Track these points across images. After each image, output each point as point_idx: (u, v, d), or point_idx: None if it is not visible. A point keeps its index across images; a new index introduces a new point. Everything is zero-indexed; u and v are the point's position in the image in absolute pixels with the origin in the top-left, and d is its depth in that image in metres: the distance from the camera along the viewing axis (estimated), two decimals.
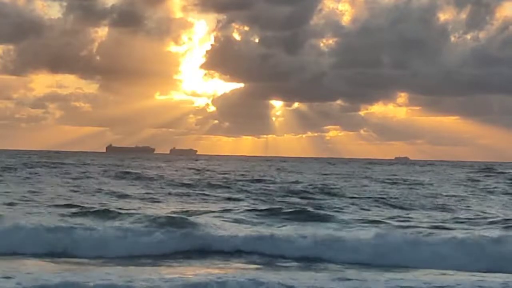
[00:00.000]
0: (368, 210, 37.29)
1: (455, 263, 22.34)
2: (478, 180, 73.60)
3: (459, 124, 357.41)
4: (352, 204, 40.25)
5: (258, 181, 61.58)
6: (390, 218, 32.97)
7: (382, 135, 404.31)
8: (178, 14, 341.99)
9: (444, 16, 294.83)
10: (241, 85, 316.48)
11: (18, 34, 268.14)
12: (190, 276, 19.15)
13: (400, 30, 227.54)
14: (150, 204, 37.68)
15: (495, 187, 60.51)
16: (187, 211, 33.61)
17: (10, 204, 34.51)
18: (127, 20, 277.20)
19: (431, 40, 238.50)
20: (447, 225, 30.81)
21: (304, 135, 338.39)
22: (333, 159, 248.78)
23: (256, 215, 32.70)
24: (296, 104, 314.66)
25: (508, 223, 31.03)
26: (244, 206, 37.39)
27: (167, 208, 35.57)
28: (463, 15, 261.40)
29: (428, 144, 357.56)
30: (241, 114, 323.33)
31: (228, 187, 51.85)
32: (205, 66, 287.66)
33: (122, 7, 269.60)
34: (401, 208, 38.92)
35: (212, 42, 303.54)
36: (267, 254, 23.53)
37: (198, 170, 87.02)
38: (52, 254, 22.79)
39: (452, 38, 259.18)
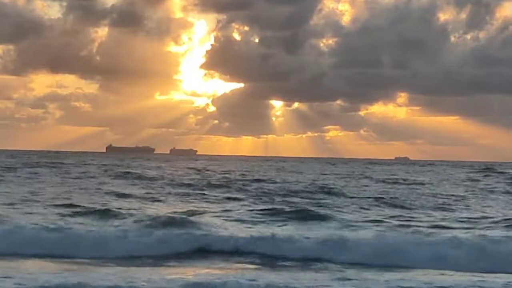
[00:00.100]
0: (368, 210, 37.28)
1: (455, 263, 22.32)
2: (478, 180, 73.60)
3: (459, 124, 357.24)
4: (352, 204, 40.24)
5: (258, 181, 61.57)
6: (390, 217, 32.97)
7: (382, 135, 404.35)
8: (178, 14, 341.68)
9: (444, 16, 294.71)
10: (241, 85, 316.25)
11: (18, 34, 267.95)
12: (190, 276, 19.15)
13: (400, 30, 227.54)
14: (150, 204, 37.69)
15: (495, 187, 60.51)
16: (187, 211, 33.61)
17: (10, 204, 34.51)
18: (127, 20, 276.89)
19: (431, 40, 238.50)
20: (447, 225, 30.82)
21: (304, 135, 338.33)
22: (333, 159, 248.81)
23: (256, 215, 32.70)
24: (296, 104, 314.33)
25: (508, 223, 31.03)
26: (244, 206, 37.41)
27: (167, 208, 35.57)
28: (463, 15, 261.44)
29: (428, 144, 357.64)
30: (241, 114, 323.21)
31: (228, 187, 51.85)
32: (205, 66, 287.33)
33: (122, 7, 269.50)
34: (401, 208, 38.91)
35: (212, 42, 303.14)
36: (268, 254, 23.51)
37: (198, 170, 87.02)
38: (52, 255, 22.76)
39: (452, 38, 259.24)
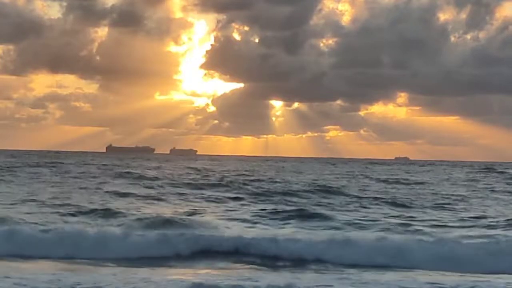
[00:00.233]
0: (369, 209, 37.26)
1: (456, 263, 22.28)
2: (478, 180, 73.61)
3: (459, 124, 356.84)
4: (353, 203, 40.22)
5: (258, 181, 61.56)
6: (390, 217, 32.95)
7: (382, 135, 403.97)
8: (178, 14, 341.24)
9: (444, 16, 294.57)
10: (241, 85, 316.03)
11: (18, 34, 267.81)
12: (190, 277, 19.11)
13: (400, 30, 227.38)
14: (150, 204, 37.65)
15: (495, 187, 60.51)
16: (187, 211, 33.59)
17: (10, 204, 34.48)
18: (127, 20, 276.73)
19: (431, 40, 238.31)
20: (447, 224, 30.80)
21: (304, 135, 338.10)
22: (333, 159, 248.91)
23: (257, 215, 32.69)
24: (296, 104, 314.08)
25: (509, 223, 31.02)
26: (245, 206, 37.39)
27: (167, 208, 35.55)
28: (463, 15, 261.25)
29: (428, 144, 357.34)
30: (241, 114, 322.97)
31: (228, 187, 51.83)
32: (205, 66, 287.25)
33: (122, 7, 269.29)
34: (402, 207, 38.87)
35: (212, 42, 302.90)
36: (268, 254, 23.48)
37: (198, 170, 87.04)
38: (52, 255, 22.73)
39: (452, 38, 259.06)
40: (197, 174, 73.39)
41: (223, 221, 29.81)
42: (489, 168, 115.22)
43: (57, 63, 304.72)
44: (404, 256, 23.06)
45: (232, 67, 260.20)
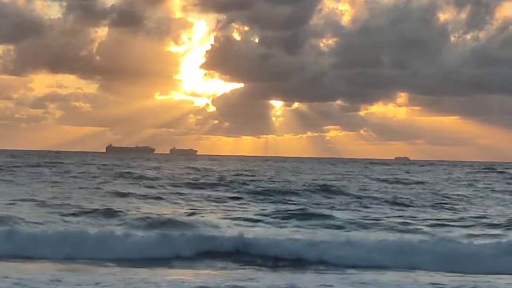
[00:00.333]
0: (369, 209, 37.25)
1: (456, 263, 22.26)
2: (478, 180, 73.60)
3: (459, 124, 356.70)
4: (353, 203, 40.21)
5: (258, 181, 61.55)
6: (390, 217, 32.93)
7: (382, 135, 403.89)
8: (178, 14, 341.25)
9: (444, 16, 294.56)
10: (241, 85, 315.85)
11: (18, 34, 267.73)
12: (191, 277, 19.09)
13: (400, 30, 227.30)
14: (151, 204, 37.64)
15: (496, 187, 60.51)
16: (187, 211, 33.58)
17: (10, 204, 34.45)
18: (127, 20, 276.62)
19: (431, 40, 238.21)
20: (447, 224, 30.79)
21: (304, 135, 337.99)
22: (333, 159, 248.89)
23: (257, 214, 32.67)
24: (296, 104, 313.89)
25: (509, 223, 31.00)
26: (245, 206, 37.37)
27: (167, 208, 35.53)
28: (463, 15, 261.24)
29: (428, 144, 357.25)
30: (241, 114, 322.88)
31: (228, 187, 51.82)
32: (205, 66, 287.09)
33: (122, 7, 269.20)
34: (402, 207, 38.87)
35: (212, 42, 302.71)
36: (268, 254, 23.45)
37: (198, 170, 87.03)
38: (52, 255, 22.70)
39: (452, 38, 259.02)
40: (197, 174, 73.37)
41: (223, 221, 29.79)
42: (489, 168, 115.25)
43: (57, 63, 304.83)
44: (405, 256, 23.03)
45: (232, 67, 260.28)
